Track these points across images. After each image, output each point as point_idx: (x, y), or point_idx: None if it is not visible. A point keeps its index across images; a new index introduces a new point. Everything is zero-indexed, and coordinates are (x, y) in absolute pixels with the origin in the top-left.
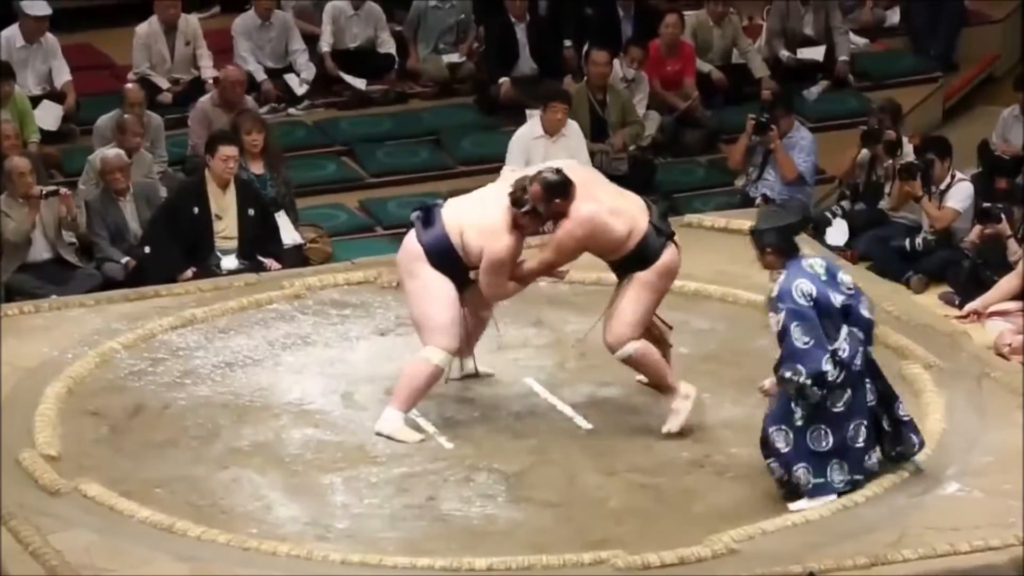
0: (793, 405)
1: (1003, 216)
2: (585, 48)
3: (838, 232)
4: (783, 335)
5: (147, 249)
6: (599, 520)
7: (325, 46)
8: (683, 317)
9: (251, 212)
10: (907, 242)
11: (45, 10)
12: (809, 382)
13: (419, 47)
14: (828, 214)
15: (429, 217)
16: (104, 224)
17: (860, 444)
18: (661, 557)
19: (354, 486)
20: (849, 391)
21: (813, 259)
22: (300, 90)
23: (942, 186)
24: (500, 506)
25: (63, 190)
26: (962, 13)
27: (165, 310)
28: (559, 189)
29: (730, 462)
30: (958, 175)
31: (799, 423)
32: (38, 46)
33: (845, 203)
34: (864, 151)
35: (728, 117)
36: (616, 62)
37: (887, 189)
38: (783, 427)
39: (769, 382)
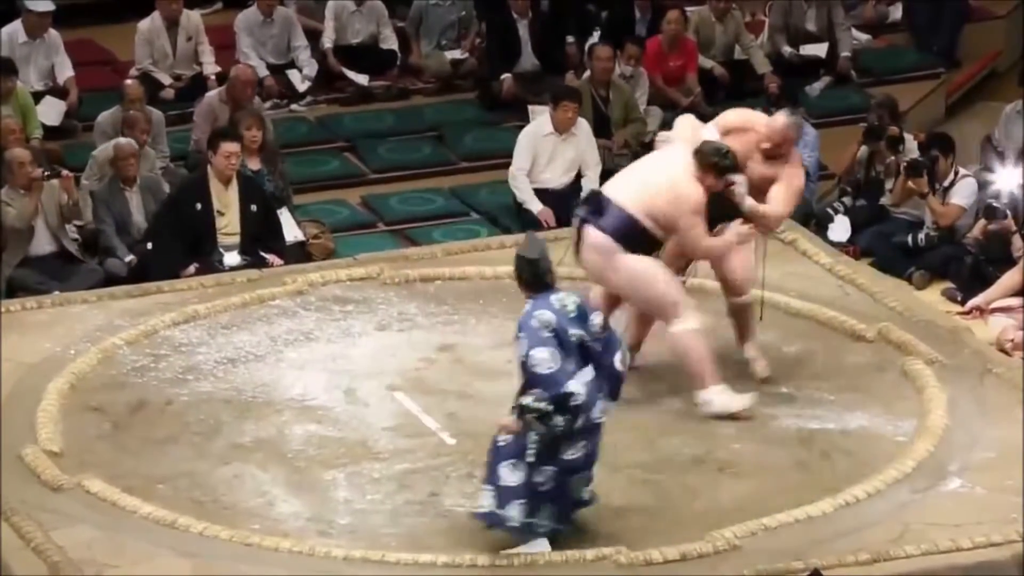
0: (529, 440)
1: (1008, 212)
2: (588, 43)
3: (840, 228)
4: (524, 364)
5: (149, 245)
6: (601, 516)
7: (327, 42)
8: None
9: (253, 208)
10: (909, 238)
11: (48, 6)
12: (552, 408)
13: (421, 43)
14: (830, 210)
15: (599, 207)
16: (110, 213)
17: (574, 497)
18: (663, 553)
19: (356, 482)
20: (584, 441)
21: (567, 297)
22: (302, 86)
23: (945, 183)
24: None
25: (64, 172)
26: (964, 9)
27: (167, 306)
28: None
29: (732, 458)
30: (961, 171)
31: (531, 459)
32: (41, 42)
33: (846, 199)
34: (864, 147)
35: None
36: None
37: (888, 185)
38: (516, 461)
39: (510, 419)
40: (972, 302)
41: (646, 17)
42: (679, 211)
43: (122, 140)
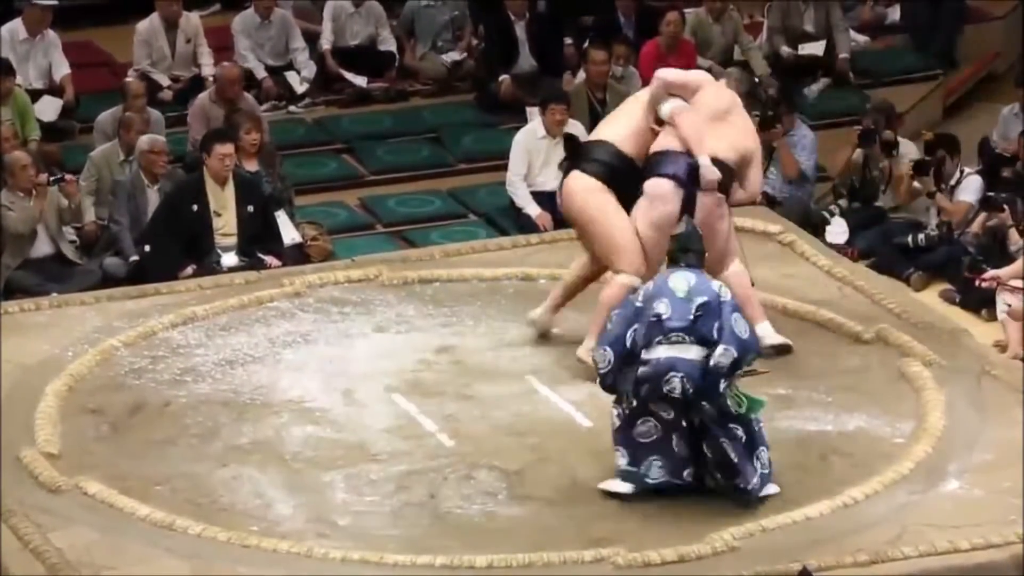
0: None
1: (1006, 206)
2: (584, 46)
3: (838, 230)
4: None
5: (147, 247)
6: (599, 518)
7: (326, 44)
8: None
9: (250, 209)
10: (909, 239)
11: (51, 0)
12: (597, 367)
13: (417, 46)
14: (826, 213)
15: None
16: (127, 209)
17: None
18: (661, 555)
19: (354, 484)
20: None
21: (682, 275)
22: (300, 88)
23: (951, 182)
24: (500, 504)
25: (68, 176)
26: (963, 10)
27: (165, 308)
28: None
29: None
30: (967, 170)
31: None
32: (40, 39)
33: (842, 202)
34: (859, 150)
35: None
36: None
37: (883, 188)
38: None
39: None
40: (992, 272)
41: (631, 22)
42: (757, 142)
43: (156, 136)
